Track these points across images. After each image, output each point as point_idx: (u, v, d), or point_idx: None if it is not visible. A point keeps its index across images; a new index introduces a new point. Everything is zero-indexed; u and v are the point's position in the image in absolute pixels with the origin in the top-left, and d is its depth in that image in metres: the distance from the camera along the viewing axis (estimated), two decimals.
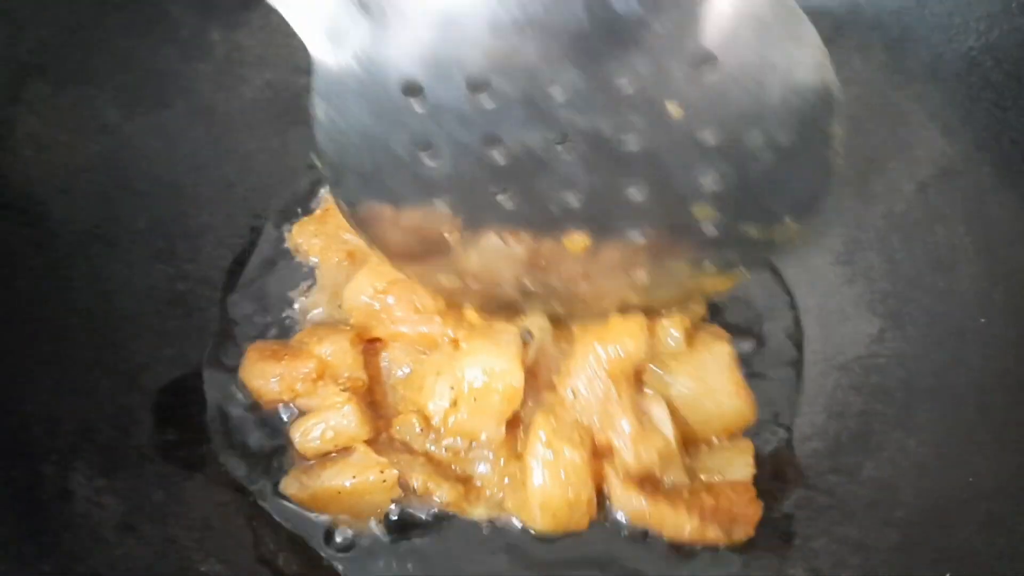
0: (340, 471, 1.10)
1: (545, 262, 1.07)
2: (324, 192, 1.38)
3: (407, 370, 1.19)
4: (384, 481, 1.09)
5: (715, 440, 1.17)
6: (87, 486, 1.03)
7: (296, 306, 1.28)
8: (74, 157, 1.24)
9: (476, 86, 0.91)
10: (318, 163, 1.00)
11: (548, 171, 0.97)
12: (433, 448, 1.14)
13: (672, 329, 1.16)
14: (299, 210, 1.36)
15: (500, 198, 1.00)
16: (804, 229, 1.02)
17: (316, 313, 1.26)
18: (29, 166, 1.18)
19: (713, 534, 1.07)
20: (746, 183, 0.97)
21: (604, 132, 0.94)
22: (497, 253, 1.05)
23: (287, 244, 1.33)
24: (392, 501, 1.11)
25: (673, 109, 0.92)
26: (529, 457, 1.07)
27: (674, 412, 1.13)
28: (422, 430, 1.14)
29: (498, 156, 0.96)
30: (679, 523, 1.07)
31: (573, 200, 1.00)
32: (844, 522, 1.12)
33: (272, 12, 1.41)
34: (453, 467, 1.14)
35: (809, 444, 1.21)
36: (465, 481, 1.13)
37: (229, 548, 1.07)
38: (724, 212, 1.00)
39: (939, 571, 1.01)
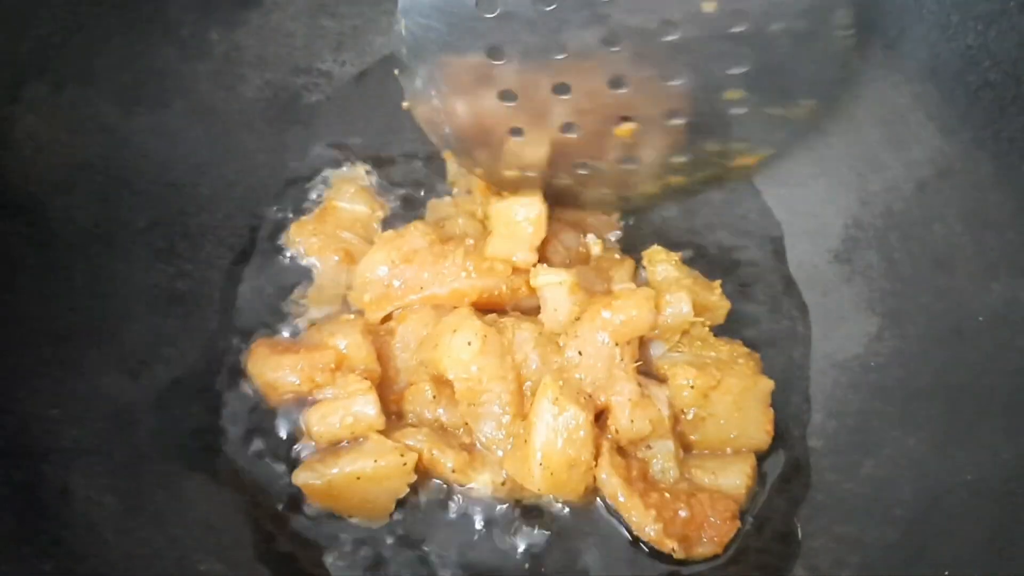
0: (359, 456, 1.10)
1: (597, 149, 1.20)
2: (322, 191, 1.38)
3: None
4: (404, 464, 1.10)
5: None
6: (87, 486, 1.03)
7: (295, 304, 1.28)
8: (74, 156, 1.24)
9: None
10: (399, 74, 1.14)
11: (602, 65, 1.10)
12: (443, 413, 1.16)
13: (683, 304, 1.18)
14: (298, 209, 1.36)
15: (559, 92, 1.12)
16: (817, 108, 1.18)
17: (315, 311, 1.27)
18: (29, 165, 1.18)
19: (670, 546, 1.08)
20: (769, 68, 1.11)
21: (649, 28, 1.06)
22: (555, 141, 1.18)
23: (285, 243, 1.33)
24: (408, 486, 1.12)
25: (707, 5, 1.05)
26: (534, 415, 1.08)
27: (699, 424, 1.16)
28: (434, 397, 1.16)
29: (558, 54, 1.08)
30: (643, 523, 1.08)
31: (623, 90, 1.12)
32: (843, 520, 1.12)
33: (271, 12, 1.43)
34: (458, 432, 1.16)
35: (808, 442, 1.22)
36: (469, 450, 1.14)
37: (229, 547, 1.07)
38: (751, 95, 1.14)
39: (937, 570, 1.01)
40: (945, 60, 1.29)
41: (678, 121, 1.17)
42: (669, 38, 1.06)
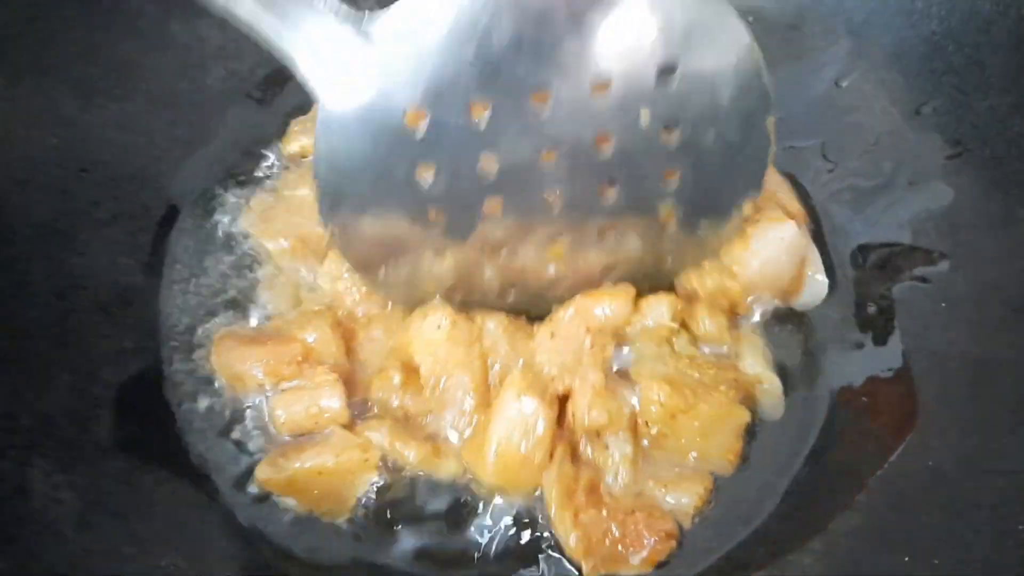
0: (320, 452, 1.10)
1: (524, 267, 1.13)
2: (279, 180, 1.36)
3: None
4: (366, 460, 1.10)
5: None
6: (45, 482, 1.02)
7: (256, 292, 1.26)
8: (32, 149, 1.22)
9: (475, 106, 0.97)
10: (315, 192, 1.04)
11: (534, 180, 1.04)
12: (409, 401, 1.15)
13: (663, 308, 1.17)
14: (257, 198, 1.34)
15: (489, 209, 1.06)
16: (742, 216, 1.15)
17: (275, 298, 1.25)
18: None
19: (587, 567, 1.05)
20: (702, 178, 1.08)
21: (584, 140, 1.01)
22: (481, 263, 1.12)
23: (248, 232, 1.30)
24: (370, 483, 1.12)
25: (644, 116, 1.01)
26: (497, 406, 1.08)
27: (660, 438, 1.13)
28: (402, 384, 1.15)
29: (490, 169, 1.02)
30: (567, 538, 1.07)
31: (556, 205, 1.07)
32: (806, 506, 1.12)
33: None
34: (423, 421, 1.15)
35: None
36: (433, 439, 1.14)
37: (190, 542, 1.06)
38: (685, 209, 1.10)
39: (898, 555, 1.02)
40: (910, 46, 1.30)
41: (611, 238, 1.12)
42: (604, 152, 1.03)
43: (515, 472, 1.08)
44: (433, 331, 1.12)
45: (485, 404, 1.13)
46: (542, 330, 1.14)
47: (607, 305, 1.14)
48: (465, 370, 1.13)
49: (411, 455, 1.11)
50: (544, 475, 1.08)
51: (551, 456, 1.08)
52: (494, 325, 1.16)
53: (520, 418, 1.07)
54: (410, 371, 1.15)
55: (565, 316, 1.14)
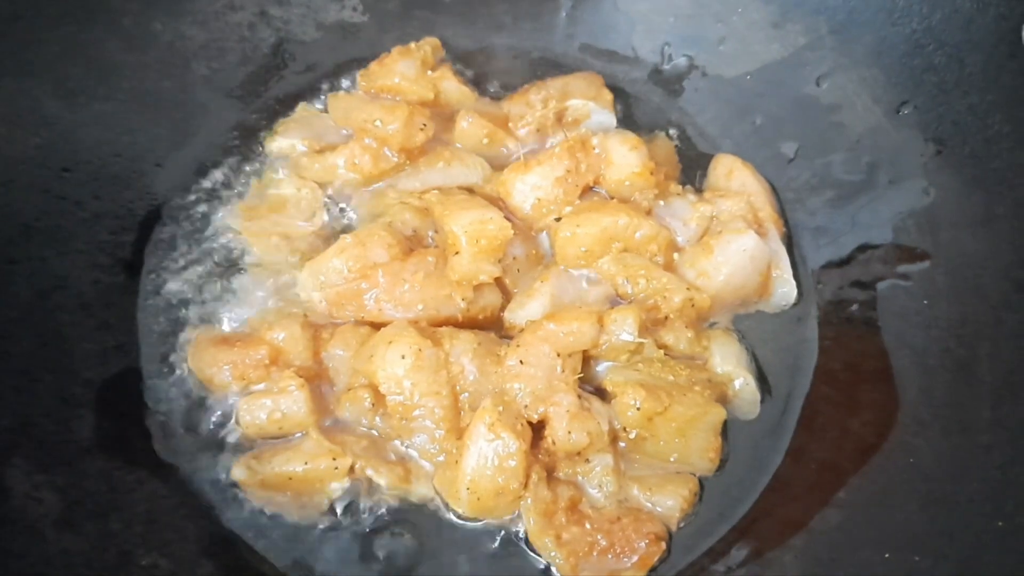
0: (291, 457, 1.10)
1: None
2: (263, 178, 1.36)
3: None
4: (336, 468, 1.09)
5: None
6: (25, 482, 1.01)
7: (239, 291, 1.25)
8: (13, 149, 1.22)
9: None
10: None
11: None
12: (380, 421, 1.14)
13: (627, 324, 1.15)
14: (242, 195, 1.34)
15: None
16: None
17: (257, 299, 1.24)
18: None
19: None
20: None
21: None
22: None
23: (230, 230, 1.30)
24: (341, 490, 1.11)
25: None
26: (469, 438, 1.06)
27: (639, 442, 1.13)
28: (372, 405, 1.14)
29: None
30: (552, 561, 1.07)
31: None
32: (787, 503, 1.13)
33: (216, 1, 1.42)
34: (394, 443, 1.14)
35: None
36: (404, 461, 1.13)
37: (171, 541, 1.06)
38: None
39: (879, 551, 1.02)
40: (891, 44, 1.30)
41: None
42: None
43: (490, 504, 1.07)
44: (397, 362, 1.09)
45: (456, 431, 1.11)
46: (511, 356, 1.12)
47: (575, 328, 1.12)
48: (433, 397, 1.10)
49: (383, 481, 1.10)
50: (521, 504, 1.07)
51: (526, 483, 1.07)
52: (461, 349, 1.12)
53: (492, 453, 1.05)
54: (379, 393, 1.12)
55: (534, 342, 1.12)
